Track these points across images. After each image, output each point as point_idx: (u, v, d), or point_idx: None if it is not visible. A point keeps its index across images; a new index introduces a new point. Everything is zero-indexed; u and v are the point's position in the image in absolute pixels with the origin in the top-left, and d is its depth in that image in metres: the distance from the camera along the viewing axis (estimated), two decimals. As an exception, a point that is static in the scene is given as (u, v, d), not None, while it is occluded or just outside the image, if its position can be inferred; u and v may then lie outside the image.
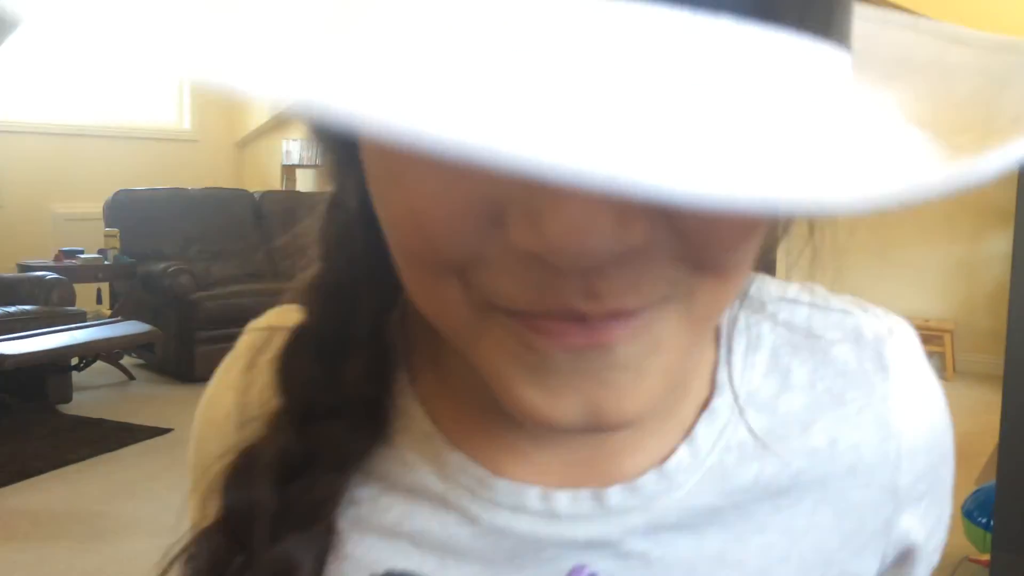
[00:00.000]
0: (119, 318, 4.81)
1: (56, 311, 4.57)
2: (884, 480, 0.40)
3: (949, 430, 0.44)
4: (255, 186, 6.33)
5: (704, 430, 0.38)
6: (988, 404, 4.57)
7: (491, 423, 0.38)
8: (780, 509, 0.39)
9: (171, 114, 6.92)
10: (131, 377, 4.98)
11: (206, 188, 5.85)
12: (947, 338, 5.15)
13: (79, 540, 2.93)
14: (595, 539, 0.37)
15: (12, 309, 4.42)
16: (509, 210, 0.25)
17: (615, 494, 0.37)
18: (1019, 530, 2.12)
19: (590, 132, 0.18)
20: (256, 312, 0.45)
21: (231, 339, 0.46)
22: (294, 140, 6.60)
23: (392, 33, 0.20)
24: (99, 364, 4.90)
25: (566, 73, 0.20)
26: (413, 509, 0.38)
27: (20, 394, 4.31)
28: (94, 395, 4.69)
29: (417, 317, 0.33)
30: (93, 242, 5.37)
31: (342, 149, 0.35)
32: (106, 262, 5.17)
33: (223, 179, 6.56)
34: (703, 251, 0.27)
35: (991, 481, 2.38)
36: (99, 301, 5.60)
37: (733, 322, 0.40)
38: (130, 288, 5.23)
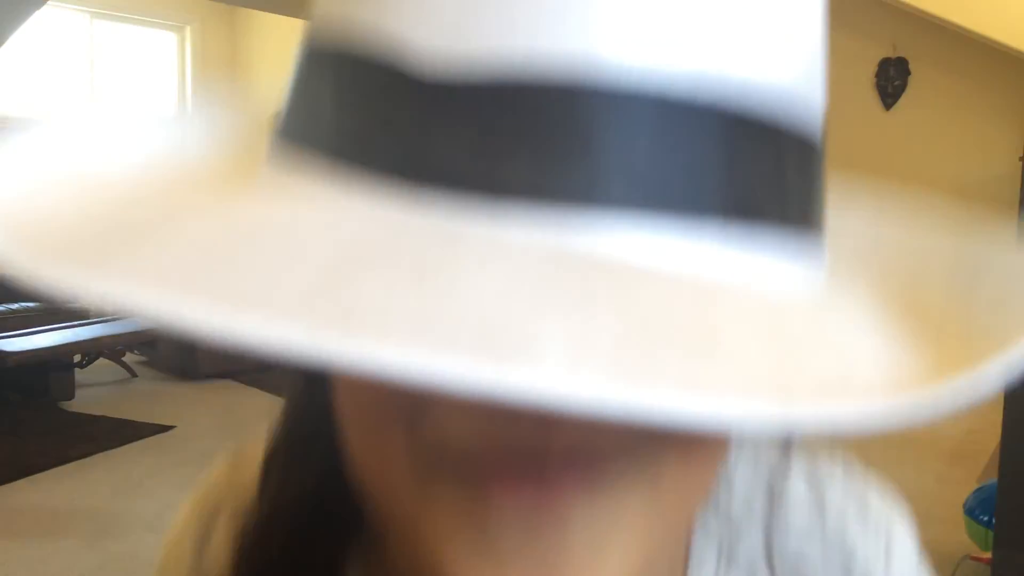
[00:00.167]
0: (122, 315, 4.81)
1: (59, 308, 4.58)
2: None
3: None
4: (257, 183, 6.33)
5: None
6: (992, 402, 4.56)
7: None
8: None
9: (173, 111, 6.93)
10: (134, 374, 4.99)
11: (208, 185, 5.84)
12: (950, 336, 5.15)
13: (81, 537, 2.94)
14: None
15: (15, 306, 4.42)
16: None
17: None
18: (1021, 528, 2.12)
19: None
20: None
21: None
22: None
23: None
24: (102, 361, 4.91)
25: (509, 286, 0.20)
26: None
27: (22, 391, 4.32)
28: (97, 392, 4.70)
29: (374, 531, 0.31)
30: (96, 239, 5.37)
31: None
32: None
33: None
34: None
35: (993, 479, 2.38)
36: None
37: (714, 528, 0.37)
38: (132, 285, 5.23)
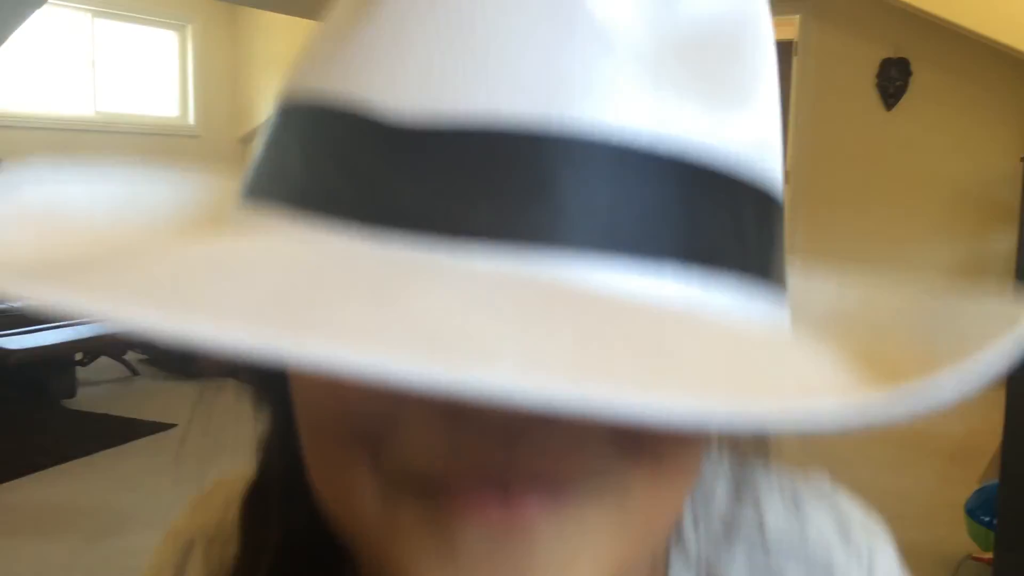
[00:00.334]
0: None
1: (60, 306, 4.58)
2: None
3: None
4: (259, 182, 6.33)
5: None
6: (992, 402, 4.56)
7: None
8: None
9: (175, 109, 6.93)
10: (135, 372, 4.99)
11: (210, 184, 5.85)
12: (951, 336, 5.14)
13: (83, 535, 2.94)
14: None
15: (16, 304, 4.42)
16: None
17: None
18: (1022, 529, 2.12)
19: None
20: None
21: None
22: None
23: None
24: (103, 359, 4.91)
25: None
26: None
27: (24, 389, 4.32)
28: (98, 390, 4.70)
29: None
30: (97, 237, 5.38)
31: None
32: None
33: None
34: (632, 433, 0.25)
35: (994, 480, 2.38)
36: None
37: (687, 567, 0.37)
38: (134, 284, 5.23)
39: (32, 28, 5.16)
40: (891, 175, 5.41)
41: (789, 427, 0.18)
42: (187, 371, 4.82)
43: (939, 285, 0.32)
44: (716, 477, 0.38)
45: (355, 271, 0.21)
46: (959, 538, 2.68)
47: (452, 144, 0.23)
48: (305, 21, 5.81)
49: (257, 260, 0.21)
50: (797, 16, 5.55)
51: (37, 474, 3.47)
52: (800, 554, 0.38)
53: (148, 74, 6.73)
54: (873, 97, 5.41)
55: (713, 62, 0.26)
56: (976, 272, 5.23)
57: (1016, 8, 4.52)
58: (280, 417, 0.35)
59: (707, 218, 0.24)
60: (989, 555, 2.40)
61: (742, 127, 0.25)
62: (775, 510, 0.38)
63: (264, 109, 6.52)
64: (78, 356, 4.64)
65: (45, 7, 4.32)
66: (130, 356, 5.06)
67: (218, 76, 7.10)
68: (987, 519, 2.45)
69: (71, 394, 4.51)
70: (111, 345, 4.72)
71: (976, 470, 3.26)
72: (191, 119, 6.97)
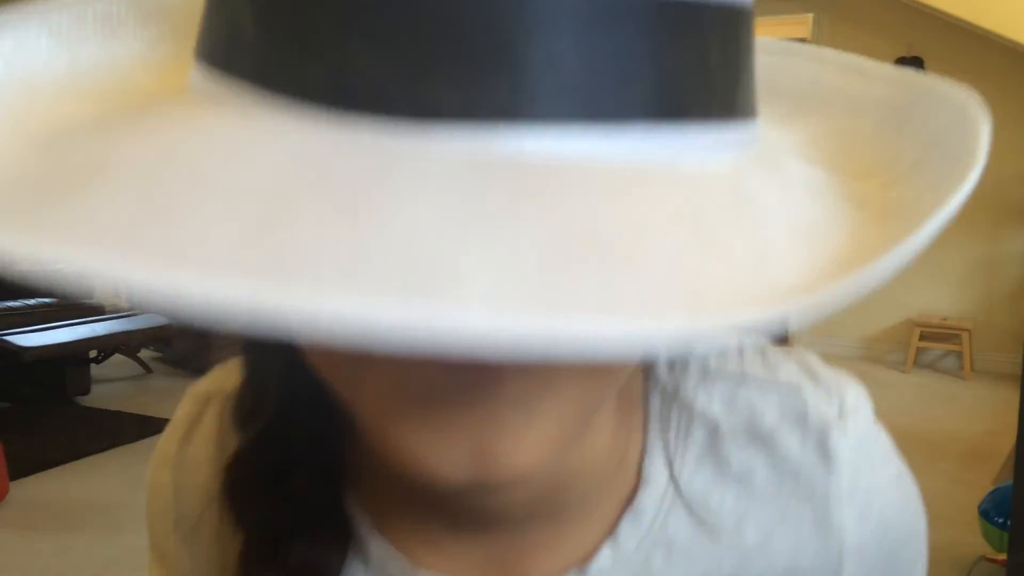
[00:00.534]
0: (137, 311, 4.84)
1: (75, 304, 4.61)
2: (828, 571, 0.38)
3: (910, 508, 0.41)
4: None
5: (628, 528, 0.36)
6: (1006, 403, 4.53)
7: (415, 515, 0.37)
8: None
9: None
10: (148, 370, 5.02)
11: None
12: (965, 337, 5.11)
13: (97, 531, 2.96)
14: None
15: (32, 302, 4.46)
16: None
17: None
18: (1036, 530, 2.11)
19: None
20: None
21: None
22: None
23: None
24: (117, 357, 4.94)
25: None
26: None
27: (39, 386, 4.35)
28: (112, 388, 4.73)
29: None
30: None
31: None
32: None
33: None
34: None
35: (1008, 481, 2.36)
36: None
37: (665, 404, 0.38)
38: (148, 282, 5.26)
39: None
40: (905, 174, 5.38)
41: (738, 335, 0.19)
42: (200, 369, 4.84)
43: (913, 76, 0.33)
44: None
45: (329, 184, 0.20)
46: (973, 539, 2.66)
47: (412, 9, 0.21)
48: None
49: (231, 174, 0.21)
50: (810, 15, 5.52)
51: (52, 470, 3.50)
52: (773, 397, 0.38)
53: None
54: (887, 96, 5.39)
55: None
56: (990, 271, 5.20)
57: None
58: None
59: (675, 64, 0.23)
60: (1003, 556, 2.39)
61: None
62: (747, 357, 0.39)
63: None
64: (92, 354, 4.67)
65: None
66: (143, 354, 5.09)
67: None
68: (1001, 520, 2.44)
69: (85, 391, 4.54)
70: (125, 343, 4.75)
71: (990, 471, 3.25)
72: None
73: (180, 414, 0.44)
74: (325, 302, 0.16)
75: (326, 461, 0.38)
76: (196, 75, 0.26)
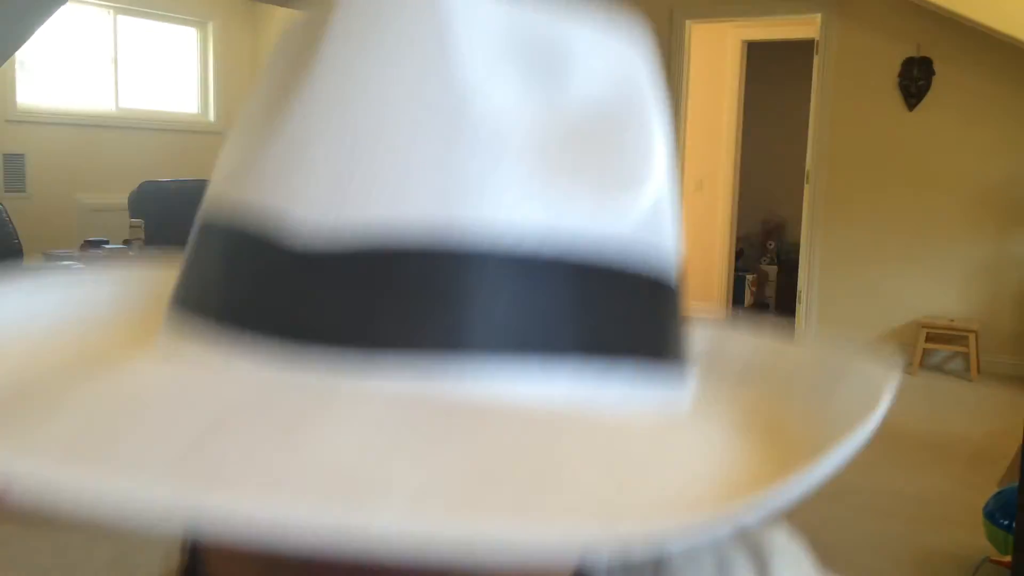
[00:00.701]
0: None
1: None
2: None
3: None
4: (278, 179, 6.35)
5: None
6: (1012, 405, 4.52)
7: None
8: None
9: (195, 106, 6.98)
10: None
11: (230, 180, 5.87)
12: (972, 339, 5.10)
13: (96, 530, 2.96)
14: None
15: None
16: None
17: None
18: (1042, 533, 2.10)
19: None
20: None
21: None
22: (317, 133, 6.60)
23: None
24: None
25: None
26: None
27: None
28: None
29: None
30: (118, 233, 5.42)
31: None
32: (131, 253, 5.22)
33: (246, 171, 6.58)
34: None
35: (1013, 483, 2.36)
36: (123, 291, 5.64)
37: None
38: (154, 279, 5.26)
39: (55, 25, 5.21)
40: (913, 176, 5.36)
41: (657, 546, 0.20)
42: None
43: (844, 350, 0.34)
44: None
45: (270, 408, 0.22)
46: (977, 541, 2.65)
47: (355, 261, 0.24)
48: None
49: (179, 399, 0.23)
50: (819, 15, 5.51)
51: (57, 466, 3.50)
52: None
53: (169, 71, 6.78)
54: (895, 97, 5.37)
55: (602, 145, 0.27)
56: (997, 273, 5.18)
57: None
58: None
59: (601, 311, 0.26)
60: (1008, 558, 2.38)
61: (630, 210, 0.27)
62: (702, 571, 0.39)
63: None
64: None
65: (68, 5, 4.35)
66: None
67: (239, 73, 7.14)
68: (1006, 522, 2.43)
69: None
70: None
71: (995, 473, 3.24)
72: (211, 116, 7.01)
73: None
74: (239, 505, 0.18)
75: None
76: (168, 319, 0.29)
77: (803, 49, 5.92)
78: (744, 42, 6.91)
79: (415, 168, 0.24)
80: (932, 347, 5.23)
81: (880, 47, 5.35)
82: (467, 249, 0.24)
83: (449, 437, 0.22)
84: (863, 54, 5.43)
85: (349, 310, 0.24)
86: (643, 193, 0.27)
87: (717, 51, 6.69)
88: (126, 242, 5.31)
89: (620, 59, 0.29)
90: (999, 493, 2.58)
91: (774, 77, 7.48)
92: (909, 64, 5.29)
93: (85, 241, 5.32)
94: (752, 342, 0.37)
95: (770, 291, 7.29)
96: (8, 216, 4.94)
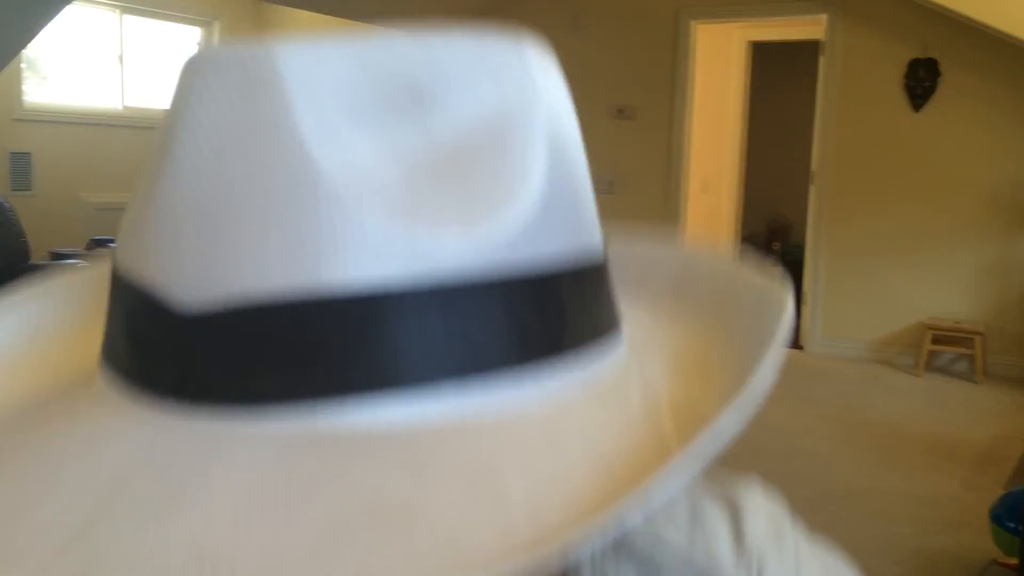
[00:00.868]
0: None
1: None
2: None
3: None
4: (283, 178, 6.35)
5: None
6: (1018, 408, 4.51)
7: None
8: None
9: (201, 106, 6.99)
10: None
11: (235, 180, 5.88)
12: (977, 340, 5.09)
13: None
14: None
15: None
16: None
17: None
18: (1048, 536, 2.09)
19: None
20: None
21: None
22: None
23: None
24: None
25: None
26: None
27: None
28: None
29: None
30: (124, 232, 5.43)
31: None
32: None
33: (252, 171, 6.59)
34: None
35: (1020, 486, 2.35)
36: (129, 290, 5.66)
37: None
38: (159, 278, 5.27)
39: (62, 25, 5.22)
40: (919, 177, 5.35)
41: None
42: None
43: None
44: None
45: (148, 487, 0.25)
46: (984, 544, 2.65)
47: (226, 323, 0.27)
48: (330, 18, 5.84)
49: (72, 478, 0.26)
50: (824, 15, 5.50)
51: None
52: (691, 568, 0.39)
53: (175, 70, 6.79)
54: (901, 98, 5.36)
55: (473, 171, 0.28)
56: (1003, 275, 5.17)
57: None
58: None
59: (477, 330, 0.27)
60: (1014, 560, 2.37)
61: (502, 228, 0.28)
62: (676, 523, 0.40)
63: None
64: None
65: (74, 4, 4.36)
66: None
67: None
68: (1012, 525, 2.43)
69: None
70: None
71: (1001, 475, 3.23)
72: (217, 115, 7.02)
73: None
74: None
75: None
76: (100, 365, 0.32)
77: (809, 50, 5.91)
78: (750, 43, 6.90)
79: (270, 238, 0.26)
80: (938, 349, 5.22)
81: (886, 48, 5.34)
82: (327, 303, 0.26)
83: (316, 487, 0.24)
84: (869, 55, 5.41)
85: (228, 366, 0.27)
86: (517, 208, 0.29)
87: (723, 52, 6.68)
88: (132, 241, 5.32)
89: (494, 82, 0.30)
90: (1005, 495, 2.58)
91: (779, 78, 7.47)
92: (915, 65, 5.28)
93: (92, 240, 5.34)
94: (667, 259, 0.40)
95: (775, 292, 7.27)
96: (15, 215, 4.95)
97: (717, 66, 6.71)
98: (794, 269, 6.69)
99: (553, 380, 0.29)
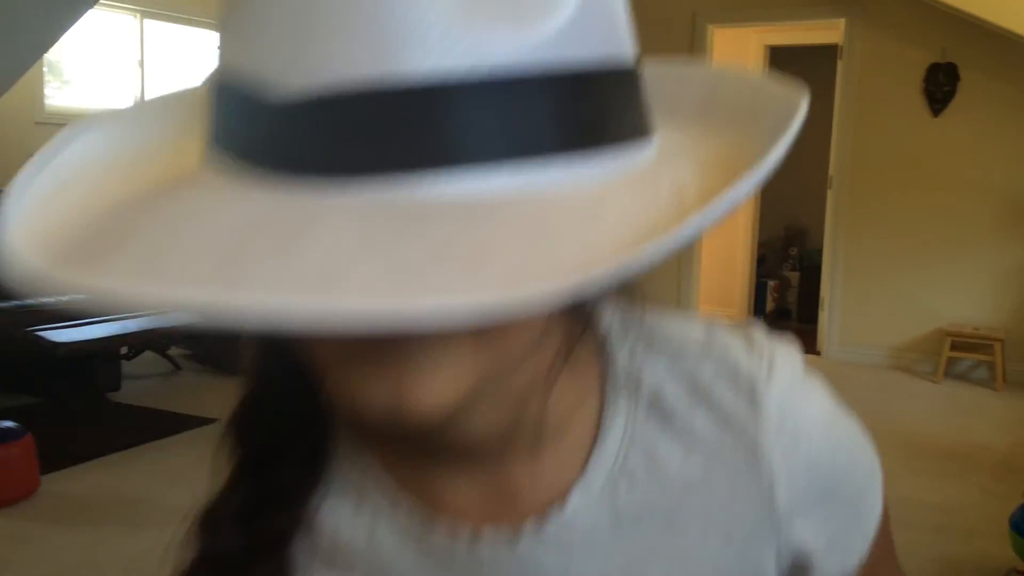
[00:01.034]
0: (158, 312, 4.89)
1: (106, 301, 4.66)
2: (762, 500, 0.45)
3: (845, 446, 0.48)
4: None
5: (596, 466, 0.45)
6: (1039, 415, 4.47)
7: (424, 470, 0.46)
8: (672, 535, 0.45)
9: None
10: (178, 367, 5.08)
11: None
12: (997, 347, 5.04)
13: (125, 525, 2.99)
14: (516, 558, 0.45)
15: (64, 298, 4.52)
16: None
17: (527, 532, 0.45)
18: (1069, 545, 2.07)
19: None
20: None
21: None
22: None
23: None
24: (147, 354, 4.99)
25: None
26: (365, 539, 0.46)
27: (70, 382, 4.41)
28: (142, 384, 4.78)
29: None
30: (143, 234, 5.48)
31: None
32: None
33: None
34: None
35: (1040, 494, 2.33)
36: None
37: (618, 373, 0.47)
38: (178, 280, 5.32)
39: (82, 29, 5.27)
40: (938, 182, 5.31)
41: (525, 308, 0.26)
42: (228, 367, 4.89)
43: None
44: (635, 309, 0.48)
45: (272, 230, 0.30)
46: (1003, 552, 2.62)
47: (319, 108, 0.31)
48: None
49: (209, 225, 0.31)
50: (842, 20, 5.48)
51: (81, 465, 3.55)
52: (708, 354, 0.46)
53: (194, 73, 6.84)
54: (920, 103, 5.33)
55: None
56: (1023, 281, 5.12)
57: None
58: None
59: (528, 118, 0.32)
60: (1033, 571, 2.35)
61: (554, 24, 0.32)
62: (692, 327, 0.48)
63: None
64: (123, 350, 4.72)
65: (95, 9, 4.40)
66: (173, 351, 5.14)
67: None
68: (1032, 534, 2.40)
69: (116, 388, 4.60)
70: (156, 340, 4.80)
71: (1020, 483, 3.20)
72: (236, 119, 7.07)
73: None
74: (253, 301, 0.26)
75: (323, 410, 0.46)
76: (205, 151, 0.37)
77: (826, 54, 5.88)
78: (767, 47, 6.87)
79: (354, 26, 0.31)
80: (957, 355, 5.18)
81: (904, 52, 5.31)
82: (407, 87, 0.30)
83: (405, 233, 0.29)
84: (887, 59, 5.38)
85: (321, 146, 0.31)
86: (561, 12, 0.33)
87: (740, 56, 6.66)
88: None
89: None
90: (1025, 504, 2.55)
91: (797, 82, 7.43)
92: (934, 70, 5.25)
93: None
94: (697, 76, 0.46)
95: (792, 298, 7.24)
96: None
97: (734, 70, 6.68)
98: (812, 274, 6.66)
99: (595, 167, 0.34)
